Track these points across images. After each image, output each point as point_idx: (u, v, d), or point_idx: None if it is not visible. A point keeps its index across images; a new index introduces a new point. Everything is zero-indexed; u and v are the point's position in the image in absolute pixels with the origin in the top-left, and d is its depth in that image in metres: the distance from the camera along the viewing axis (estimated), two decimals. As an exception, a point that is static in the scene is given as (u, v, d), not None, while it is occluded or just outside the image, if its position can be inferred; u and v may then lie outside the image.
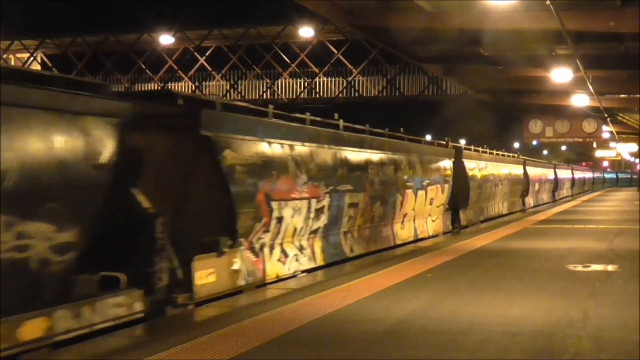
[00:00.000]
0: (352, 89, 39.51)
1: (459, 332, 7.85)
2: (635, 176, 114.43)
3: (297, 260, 12.81)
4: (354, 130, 15.98)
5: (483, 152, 28.10)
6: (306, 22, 33.11)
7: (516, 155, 36.33)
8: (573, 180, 60.47)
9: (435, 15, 20.27)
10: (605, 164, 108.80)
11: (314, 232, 13.61)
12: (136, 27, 38.27)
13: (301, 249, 13.18)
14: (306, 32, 34.50)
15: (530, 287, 11.00)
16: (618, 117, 41.84)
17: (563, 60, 24.76)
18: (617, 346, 7.31)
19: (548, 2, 15.09)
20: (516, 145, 61.96)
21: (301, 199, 12.85)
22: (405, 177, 18.23)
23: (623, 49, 23.12)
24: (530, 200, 37.36)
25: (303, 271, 12.89)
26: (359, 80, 39.32)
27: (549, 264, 13.79)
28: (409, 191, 18.58)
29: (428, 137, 25.60)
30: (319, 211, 13.56)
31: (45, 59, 41.77)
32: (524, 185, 35.60)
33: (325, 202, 13.75)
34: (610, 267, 13.28)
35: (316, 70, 38.88)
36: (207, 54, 39.67)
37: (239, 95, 40.18)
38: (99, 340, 7.88)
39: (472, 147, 27.33)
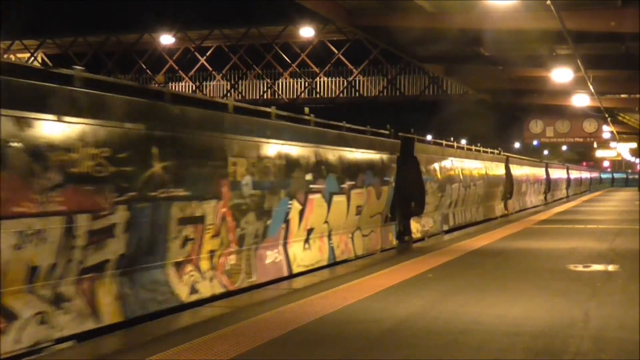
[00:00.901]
0: (353, 89, 39.51)
1: (459, 332, 7.84)
2: (631, 177, 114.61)
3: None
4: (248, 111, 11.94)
5: (448, 145, 23.64)
6: (307, 22, 33.11)
7: (497, 151, 30.88)
8: (569, 180, 56.64)
9: (436, 15, 20.26)
10: (606, 164, 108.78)
11: (92, 268, 8.28)
12: (137, 27, 38.28)
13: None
14: (307, 32, 34.50)
15: (531, 287, 10.99)
16: (618, 117, 41.84)
17: (563, 60, 24.75)
18: (618, 346, 7.30)
19: (549, 2, 15.09)
20: (517, 145, 61.89)
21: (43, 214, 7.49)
22: (308, 177, 13.30)
23: (623, 49, 23.11)
24: (514, 204, 32.76)
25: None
26: (359, 80, 39.31)
27: (550, 264, 13.78)
28: (316, 197, 13.57)
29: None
30: (100, 234, 8.28)
31: (45, 59, 41.77)
32: (506, 186, 31.26)
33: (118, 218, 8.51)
34: (611, 267, 13.27)
35: (317, 70, 38.88)
36: (207, 54, 39.67)
37: (240, 95, 40.19)
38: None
39: (433, 139, 23.56)
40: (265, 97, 39.81)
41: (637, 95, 32.24)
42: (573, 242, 17.91)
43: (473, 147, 27.58)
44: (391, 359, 6.93)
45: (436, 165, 21.52)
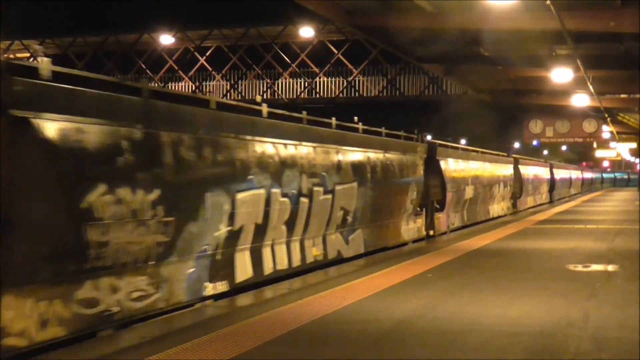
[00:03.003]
0: (353, 89, 39.50)
1: (459, 332, 7.85)
2: (624, 176, 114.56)
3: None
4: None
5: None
6: (306, 22, 33.08)
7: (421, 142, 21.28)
8: (553, 182, 47.39)
9: (436, 15, 20.26)
10: (606, 164, 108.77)
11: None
12: (136, 27, 38.24)
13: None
14: (306, 32, 34.47)
15: (530, 287, 11.00)
16: (618, 117, 41.83)
17: (563, 60, 24.75)
18: (617, 346, 7.31)
19: (548, 2, 15.09)
20: (517, 145, 61.86)
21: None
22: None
23: (623, 49, 23.11)
24: (453, 219, 23.43)
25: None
26: (359, 80, 39.30)
27: (549, 264, 13.79)
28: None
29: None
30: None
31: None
32: (423, 193, 20.01)
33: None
34: (610, 267, 13.28)
35: (316, 70, 38.87)
36: (207, 53, 39.66)
37: (239, 95, 40.19)
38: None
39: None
40: (265, 97, 39.79)
41: (637, 95, 32.25)
42: (572, 242, 17.92)
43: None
44: (391, 359, 6.94)
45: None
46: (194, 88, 40.62)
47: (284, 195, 12.26)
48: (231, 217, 10.66)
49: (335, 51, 37.63)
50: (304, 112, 13.88)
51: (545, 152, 71.90)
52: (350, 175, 15.09)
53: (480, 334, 7.79)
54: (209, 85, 41.32)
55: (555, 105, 38.13)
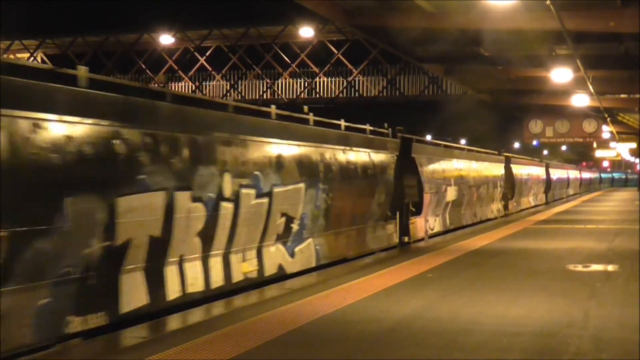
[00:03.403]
0: (353, 89, 39.48)
1: (459, 332, 7.84)
2: (622, 176, 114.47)
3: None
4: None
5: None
6: (306, 22, 33.06)
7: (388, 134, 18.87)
8: (549, 182, 46.20)
9: (436, 15, 20.24)
10: (606, 164, 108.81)
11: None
12: (136, 27, 38.22)
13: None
14: (306, 32, 34.45)
15: (530, 287, 10.99)
16: (618, 117, 41.81)
17: (563, 60, 24.73)
18: (617, 346, 7.31)
19: (548, 2, 15.08)
20: (516, 145, 61.85)
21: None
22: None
23: (623, 49, 23.10)
24: (433, 223, 21.54)
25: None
26: (359, 80, 39.28)
27: (549, 264, 13.79)
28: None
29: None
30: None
31: (45, 59, 41.74)
32: (395, 195, 18.37)
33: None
34: (610, 267, 13.28)
35: (316, 70, 38.85)
36: (207, 54, 39.63)
37: (239, 95, 40.18)
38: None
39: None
40: (264, 97, 39.78)
41: (637, 95, 32.21)
42: (572, 242, 17.91)
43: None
44: (391, 358, 6.94)
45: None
46: (193, 88, 40.61)
47: (196, 199, 9.94)
48: (109, 229, 8.30)
49: (335, 51, 37.62)
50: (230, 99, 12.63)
51: (546, 152, 71.90)
52: (294, 175, 12.85)
53: (481, 334, 7.79)
54: (209, 85, 41.30)
55: (555, 105, 38.11)
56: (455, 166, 23.70)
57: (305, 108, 14.57)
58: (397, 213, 18.38)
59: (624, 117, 42.36)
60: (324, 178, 14.02)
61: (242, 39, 38.28)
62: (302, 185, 13.05)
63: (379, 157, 17.20)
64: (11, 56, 39.50)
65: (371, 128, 17.26)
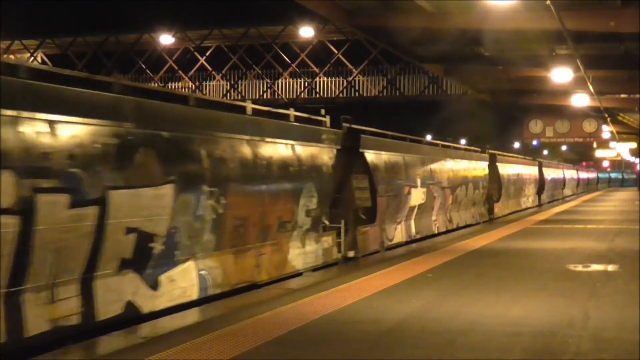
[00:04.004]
0: (353, 89, 39.48)
1: (459, 332, 7.84)
2: (619, 176, 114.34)
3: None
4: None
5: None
6: (307, 22, 33.07)
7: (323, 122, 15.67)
8: (542, 182, 42.91)
9: (436, 15, 20.25)
10: (606, 164, 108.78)
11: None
12: (136, 27, 38.25)
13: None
14: (306, 32, 34.46)
15: (530, 287, 10.99)
16: (618, 117, 41.81)
17: (563, 60, 24.73)
18: (617, 346, 7.31)
19: (548, 2, 15.08)
20: (517, 145, 61.85)
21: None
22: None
23: (623, 49, 23.10)
24: (392, 232, 18.53)
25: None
26: (359, 80, 39.29)
27: (550, 264, 13.78)
28: None
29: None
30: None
31: (45, 59, 41.74)
32: (338, 200, 16.22)
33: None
34: (610, 267, 13.27)
35: (316, 70, 38.86)
36: (207, 53, 39.64)
37: (240, 95, 40.18)
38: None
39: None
40: (265, 97, 39.79)
41: (637, 95, 32.22)
42: (572, 242, 17.91)
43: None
44: (391, 359, 6.93)
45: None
46: (193, 88, 40.60)
47: None
48: None
49: (335, 51, 37.62)
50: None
51: (545, 152, 71.89)
52: (154, 173, 9.38)
53: (481, 334, 7.79)
54: (209, 85, 41.30)
55: (555, 105, 38.13)
56: (424, 164, 20.79)
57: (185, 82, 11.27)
58: (342, 222, 15.33)
59: (624, 117, 42.36)
60: (213, 178, 10.55)
61: (242, 39, 38.29)
62: (168, 187, 9.59)
63: (308, 151, 13.77)
64: (11, 56, 39.52)
65: (298, 114, 13.89)
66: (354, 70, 38.52)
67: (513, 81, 32.36)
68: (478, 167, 27.48)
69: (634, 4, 17.76)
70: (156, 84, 39.90)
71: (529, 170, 39.28)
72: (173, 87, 40.27)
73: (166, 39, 37.66)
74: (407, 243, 18.95)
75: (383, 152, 17.82)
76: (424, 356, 6.98)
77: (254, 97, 39.88)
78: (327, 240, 14.73)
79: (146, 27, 37.51)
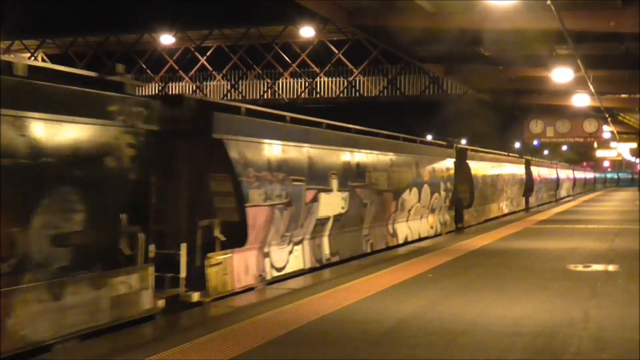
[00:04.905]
0: (353, 89, 39.47)
1: (459, 332, 7.84)
2: (614, 176, 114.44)
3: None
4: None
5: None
6: (307, 22, 33.06)
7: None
8: (530, 183, 38.58)
9: (436, 15, 20.24)
10: (606, 163, 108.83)
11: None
12: (137, 27, 38.25)
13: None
14: (307, 32, 34.44)
15: (531, 287, 10.99)
16: (619, 117, 41.81)
17: (564, 60, 24.72)
18: (618, 346, 7.30)
19: (549, 2, 15.07)
20: (517, 145, 61.84)
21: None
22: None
23: (624, 49, 23.09)
24: (283, 257, 13.05)
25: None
26: (359, 80, 39.27)
27: (550, 264, 13.78)
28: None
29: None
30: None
31: (45, 58, 41.75)
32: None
33: None
34: (611, 267, 13.27)
35: (317, 70, 38.84)
36: (207, 53, 39.63)
37: (240, 95, 40.17)
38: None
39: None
40: (265, 97, 39.79)
41: (637, 95, 32.18)
42: (573, 242, 17.90)
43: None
44: (391, 359, 6.93)
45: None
46: (194, 88, 40.61)
47: None
48: None
49: (336, 51, 37.61)
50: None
51: (546, 152, 71.88)
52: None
53: (481, 333, 7.78)
54: (210, 85, 41.31)
55: (555, 105, 38.11)
56: (346, 160, 15.58)
57: None
58: (183, 246, 10.00)
59: (625, 117, 42.35)
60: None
61: (242, 39, 38.28)
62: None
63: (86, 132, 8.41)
64: (11, 56, 39.48)
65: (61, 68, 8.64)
66: (354, 70, 38.50)
67: (513, 81, 32.35)
68: (440, 165, 22.46)
69: (634, 4, 17.74)
70: (156, 84, 39.92)
71: (513, 169, 34.69)
72: (173, 87, 40.31)
73: (167, 39, 37.66)
74: (314, 269, 13.64)
75: (264, 141, 12.24)
76: (424, 356, 6.97)
77: (254, 97, 39.88)
78: (131, 282, 8.95)
79: (146, 27, 37.51)
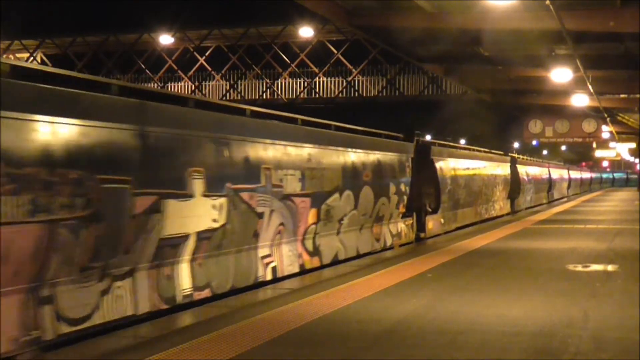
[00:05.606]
0: (352, 89, 39.48)
1: (459, 332, 7.84)
2: (609, 176, 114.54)
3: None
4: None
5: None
6: (306, 22, 33.07)
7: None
8: (516, 184, 34.10)
9: (436, 15, 20.25)
10: (605, 163, 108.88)
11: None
12: (136, 27, 38.24)
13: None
14: (306, 32, 34.46)
15: (530, 287, 10.99)
16: (618, 117, 41.83)
17: (563, 60, 24.74)
18: (617, 346, 7.31)
19: (548, 2, 15.08)
20: (516, 145, 61.85)
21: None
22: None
23: (623, 49, 23.10)
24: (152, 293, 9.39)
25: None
26: (358, 80, 39.28)
27: (549, 264, 13.79)
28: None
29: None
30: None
31: (45, 59, 41.75)
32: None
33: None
34: (610, 267, 13.28)
35: (316, 70, 38.86)
36: (207, 53, 39.64)
37: (239, 95, 40.18)
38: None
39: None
40: (264, 97, 39.79)
41: (637, 95, 32.23)
42: (572, 242, 17.91)
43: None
44: (391, 359, 6.94)
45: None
46: (193, 88, 40.61)
47: None
48: None
49: (335, 51, 37.62)
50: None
51: (545, 152, 71.90)
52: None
53: (481, 333, 7.79)
54: (209, 85, 41.31)
55: (554, 105, 38.13)
56: (221, 153, 10.97)
57: None
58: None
59: (624, 117, 42.39)
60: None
61: (241, 39, 38.29)
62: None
63: None
64: (11, 56, 39.52)
65: None
66: (353, 70, 38.52)
67: (513, 81, 32.37)
68: (392, 162, 18.36)
69: (634, 4, 17.76)
70: (156, 84, 39.90)
71: (496, 169, 30.35)
72: (172, 87, 40.30)
73: (166, 39, 37.67)
74: (161, 313, 9.40)
75: (36, 117, 7.51)
76: (424, 356, 6.98)
77: (253, 97, 39.89)
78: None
79: (146, 27, 37.50)
